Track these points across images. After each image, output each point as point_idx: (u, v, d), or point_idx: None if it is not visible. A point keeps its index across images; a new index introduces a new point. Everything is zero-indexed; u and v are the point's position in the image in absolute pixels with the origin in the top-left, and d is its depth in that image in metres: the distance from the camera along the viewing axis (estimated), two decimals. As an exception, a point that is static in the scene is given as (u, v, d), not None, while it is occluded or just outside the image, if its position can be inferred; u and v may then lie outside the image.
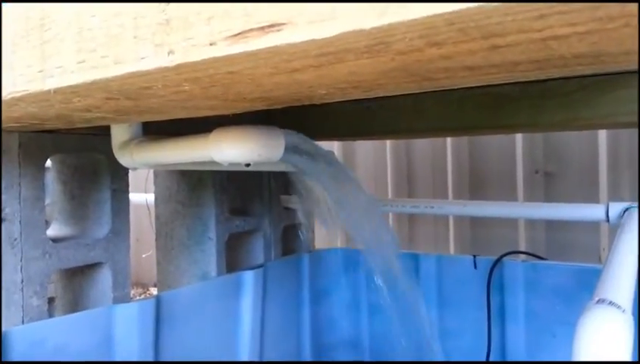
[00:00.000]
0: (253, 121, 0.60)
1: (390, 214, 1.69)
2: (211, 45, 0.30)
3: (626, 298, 0.49)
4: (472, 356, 1.21)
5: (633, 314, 0.46)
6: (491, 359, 1.18)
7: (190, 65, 0.32)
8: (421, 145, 1.66)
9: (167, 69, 0.33)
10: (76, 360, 0.74)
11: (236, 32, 0.29)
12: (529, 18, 0.24)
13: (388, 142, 1.68)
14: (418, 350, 0.98)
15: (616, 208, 1.02)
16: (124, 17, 0.34)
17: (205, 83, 0.37)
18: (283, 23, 0.28)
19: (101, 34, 0.35)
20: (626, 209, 1.01)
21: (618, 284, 0.52)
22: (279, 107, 0.53)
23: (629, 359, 0.42)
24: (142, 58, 0.33)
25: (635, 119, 0.92)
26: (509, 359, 1.17)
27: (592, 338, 0.42)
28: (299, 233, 1.43)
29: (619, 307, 0.45)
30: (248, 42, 0.29)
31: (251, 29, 0.29)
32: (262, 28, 0.28)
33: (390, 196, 1.68)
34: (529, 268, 1.15)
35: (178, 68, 0.32)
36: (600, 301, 0.46)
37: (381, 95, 0.45)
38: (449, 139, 1.58)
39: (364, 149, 1.77)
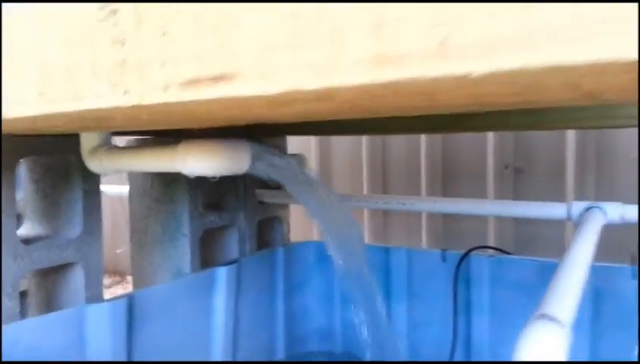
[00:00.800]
0: (229, 132, 0.61)
1: (365, 209, 1.72)
2: (164, 89, 0.31)
3: (568, 312, 0.52)
4: (438, 346, 1.26)
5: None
6: (456, 349, 1.22)
7: (146, 106, 0.33)
8: (396, 142, 1.69)
9: (124, 108, 0.34)
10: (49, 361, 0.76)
11: (189, 79, 0.31)
12: (456, 87, 0.26)
13: (364, 139, 1.70)
14: (382, 342, 1.01)
15: (577, 207, 1.06)
16: (83, 53, 0.35)
17: (162, 116, 0.38)
18: (233, 76, 0.29)
19: (60, 69, 0.36)
20: (587, 209, 1.05)
21: (562, 297, 0.55)
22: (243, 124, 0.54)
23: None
24: (100, 96, 0.34)
25: (597, 123, 0.95)
26: (473, 350, 1.22)
27: (529, 353, 0.45)
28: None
29: (559, 322, 0.48)
30: (200, 90, 0.30)
31: (202, 79, 0.30)
32: (213, 78, 0.30)
33: (365, 190, 1.71)
34: (494, 262, 1.20)
35: (134, 108, 0.33)
36: (541, 316, 0.49)
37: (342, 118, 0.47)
38: (423, 137, 1.60)
39: (341, 144, 1.79)
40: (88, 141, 0.70)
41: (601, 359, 1.09)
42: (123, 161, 0.66)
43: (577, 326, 1.23)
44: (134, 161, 0.64)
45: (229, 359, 1.16)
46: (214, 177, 0.58)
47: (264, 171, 0.64)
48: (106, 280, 0.99)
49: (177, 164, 0.57)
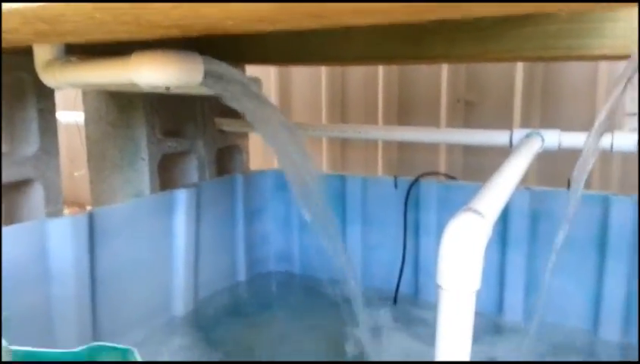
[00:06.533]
0: (184, 49, 0.62)
1: (324, 139, 1.76)
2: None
3: (490, 207, 0.58)
4: (390, 266, 1.35)
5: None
6: (405, 268, 1.31)
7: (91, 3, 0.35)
8: (355, 74, 1.71)
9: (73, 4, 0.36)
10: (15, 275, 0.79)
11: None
12: None
13: (323, 70, 1.71)
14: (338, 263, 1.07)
15: (519, 133, 1.14)
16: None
17: (114, 13, 0.40)
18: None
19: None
20: (527, 135, 1.13)
21: (488, 197, 0.62)
22: (196, 35, 0.56)
23: (481, 252, 0.51)
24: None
25: (538, 54, 1.00)
26: (421, 268, 1.32)
27: (453, 236, 0.52)
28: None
29: (480, 214, 0.54)
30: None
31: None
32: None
33: (324, 121, 1.74)
34: (442, 187, 1.27)
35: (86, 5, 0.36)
36: (467, 209, 0.55)
37: (285, 28, 0.50)
38: (380, 69, 1.63)
39: (300, 75, 1.80)
40: (42, 54, 0.70)
41: (535, 273, 1.19)
42: (76, 74, 0.67)
43: (515, 246, 1.32)
44: (88, 72, 0.65)
45: (192, 277, 1.22)
46: (168, 88, 0.61)
47: (217, 86, 0.67)
48: (66, 211, 1.01)
49: (131, 74, 0.58)
